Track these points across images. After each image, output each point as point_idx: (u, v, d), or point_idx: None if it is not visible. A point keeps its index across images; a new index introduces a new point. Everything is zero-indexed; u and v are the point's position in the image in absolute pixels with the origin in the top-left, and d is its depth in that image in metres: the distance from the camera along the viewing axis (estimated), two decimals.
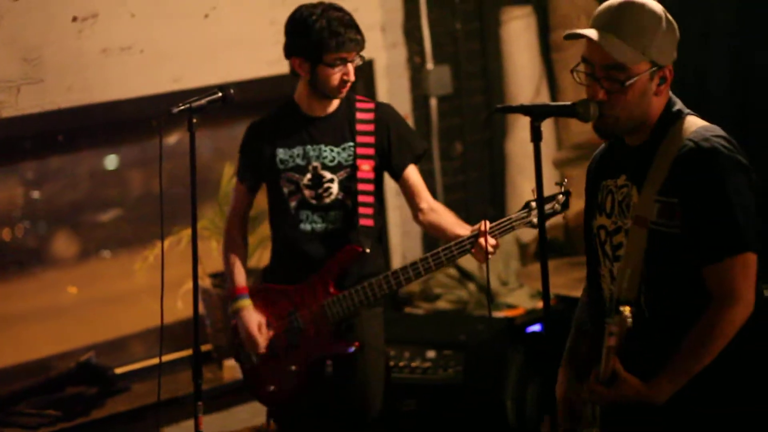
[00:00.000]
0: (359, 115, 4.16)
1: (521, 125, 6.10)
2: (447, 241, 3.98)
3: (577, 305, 3.26)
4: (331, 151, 4.14)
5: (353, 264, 4.11)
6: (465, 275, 5.74)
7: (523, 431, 4.98)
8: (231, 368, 5.09)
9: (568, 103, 2.95)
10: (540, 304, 5.42)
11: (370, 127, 4.15)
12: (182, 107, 3.57)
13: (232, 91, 3.68)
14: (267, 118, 4.24)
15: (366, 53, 4.11)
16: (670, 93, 2.99)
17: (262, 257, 5.10)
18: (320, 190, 4.13)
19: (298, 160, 4.14)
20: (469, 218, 4.24)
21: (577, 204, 3.44)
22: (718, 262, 2.83)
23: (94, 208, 5.38)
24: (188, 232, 4.57)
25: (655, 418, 2.90)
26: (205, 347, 5.20)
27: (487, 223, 3.82)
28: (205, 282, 5.22)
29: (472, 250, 3.89)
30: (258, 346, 4.13)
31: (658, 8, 2.94)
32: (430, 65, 6.01)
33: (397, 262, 5.83)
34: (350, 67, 4.04)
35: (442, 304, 5.69)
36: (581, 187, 3.20)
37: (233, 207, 4.28)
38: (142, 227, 5.36)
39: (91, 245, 5.38)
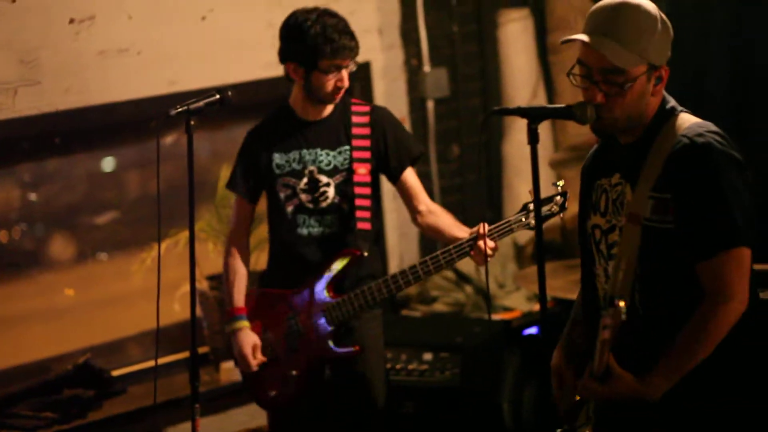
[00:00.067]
0: (355, 119, 4.16)
1: (518, 127, 6.10)
2: (445, 244, 3.98)
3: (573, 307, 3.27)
4: (327, 155, 4.14)
5: (351, 267, 4.11)
6: (462, 278, 5.74)
7: None
8: (228, 370, 5.09)
9: (566, 105, 2.96)
10: (537, 307, 5.42)
11: (366, 131, 4.15)
12: (180, 109, 3.56)
13: (229, 93, 3.68)
14: (263, 123, 4.24)
15: (363, 55, 4.11)
16: (663, 91, 2.99)
17: (259, 259, 5.09)
18: (316, 194, 4.13)
19: (294, 165, 4.14)
20: (466, 221, 4.24)
21: (575, 205, 3.44)
22: (711, 257, 2.83)
23: (91, 210, 5.38)
24: (185, 234, 4.58)
25: (648, 414, 2.90)
26: (202, 349, 5.19)
27: (486, 225, 3.82)
28: (203, 284, 5.22)
29: (471, 253, 3.89)
30: (250, 368, 4.14)
31: (653, 8, 2.94)
32: (427, 67, 6.01)
33: (394, 264, 5.83)
34: (344, 73, 4.05)
35: (439, 307, 5.69)
36: (578, 188, 3.20)
37: (235, 222, 4.26)
38: (139, 229, 5.35)
39: (88, 247, 5.37)
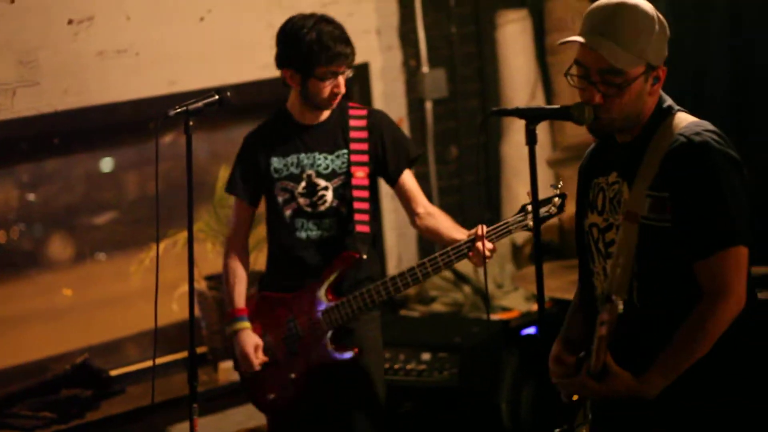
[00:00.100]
0: (352, 122, 4.16)
1: (516, 128, 6.11)
2: (444, 245, 3.98)
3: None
4: (325, 158, 4.14)
5: (350, 270, 4.12)
6: (460, 278, 5.74)
7: None
8: (226, 370, 5.09)
9: (563, 106, 2.96)
10: (535, 307, 5.42)
11: (364, 134, 4.15)
12: (179, 110, 3.55)
13: (228, 93, 3.68)
14: (261, 127, 4.25)
15: (361, 56, 4.12)
16: (660, 90, 2.99)
17: (258, 260, 5.10)
18: (315, 198, 4.13)
19: (293, 169, 4.15)
20: (464, 222, 4.24)
21: (573, 206, 3.45)
22: (709, 256, 2.83)
23: (90, 210, 5.38)
24: (184, 234, 4.58)
25: (646, 412, 2.91)
26: (200, 349, 5.20)
27: (484, 227, 3.82)
28: (201, 284, 5.22)
29: (469, 255, 3.89)
30: (252, 367, 4.14)
31: (650, 8, 2.94)
32: (425, 68, 6.02)
33: (392, 265, 5.83)
34: (341, 79, 4.06)
35: (437, 307, 5.69)
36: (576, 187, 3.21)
37: (234, 225, 4.26)
38: (138, 230, 5.35)
39: (87, 248, 5.37)
